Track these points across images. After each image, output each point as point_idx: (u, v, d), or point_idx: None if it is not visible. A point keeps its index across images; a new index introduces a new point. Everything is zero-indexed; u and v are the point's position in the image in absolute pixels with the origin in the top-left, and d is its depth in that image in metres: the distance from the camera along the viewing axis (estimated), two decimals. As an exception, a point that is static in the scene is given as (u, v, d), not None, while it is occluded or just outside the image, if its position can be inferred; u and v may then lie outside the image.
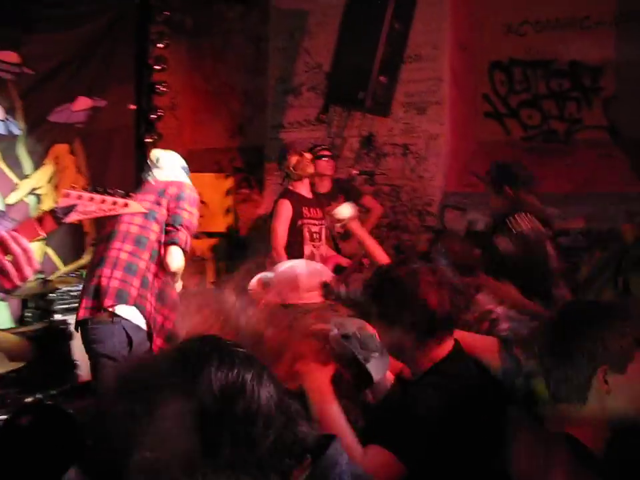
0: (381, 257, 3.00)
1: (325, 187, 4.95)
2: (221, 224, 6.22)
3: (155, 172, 3.54)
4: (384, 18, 4.84)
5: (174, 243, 3.25)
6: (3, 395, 3.31)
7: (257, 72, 6.34)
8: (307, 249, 4.46)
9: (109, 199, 1.93)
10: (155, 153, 3.70)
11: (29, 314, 4.71)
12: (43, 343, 3.79)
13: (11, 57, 5.01)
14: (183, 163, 3.69)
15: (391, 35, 4.91)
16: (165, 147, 6.25)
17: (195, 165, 3.74)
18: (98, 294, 3.13)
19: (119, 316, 3.10)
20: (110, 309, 3.10)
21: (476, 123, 5.79)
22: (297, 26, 6.04)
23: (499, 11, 5.60)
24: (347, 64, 5.05)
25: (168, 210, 3.33)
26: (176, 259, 3.25)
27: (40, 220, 1.81)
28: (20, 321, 4.82)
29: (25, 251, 1.67)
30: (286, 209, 4.38)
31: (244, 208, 6.39)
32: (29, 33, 5.10)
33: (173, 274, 3.29)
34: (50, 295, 4.55)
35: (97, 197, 1.93)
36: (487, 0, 5.71)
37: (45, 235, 1.82)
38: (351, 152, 5.76)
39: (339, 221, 3.18)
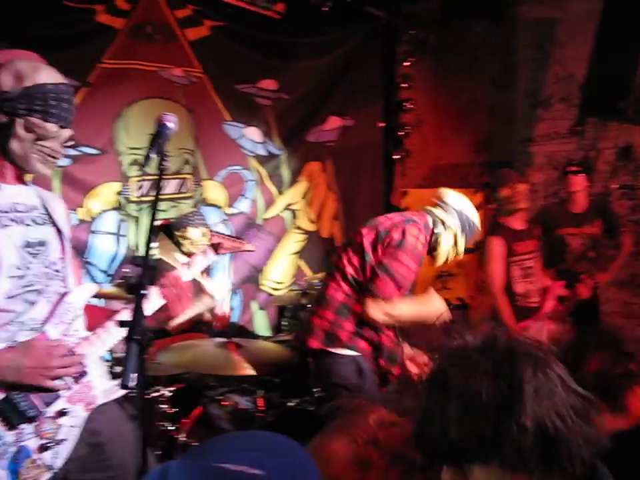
0: None
1: (580, 205, 4.67)
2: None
3: (436, 211, 3.23)
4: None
5: (372, 294, 2.98)
6: (269, 399, 3.51)
7: (504, 86, 6.21)
8: (520, 287, 4.23)
9: (237, 239, 2.43)
10: (445, 193, 3.30)
11: (286, 323, 4.99)
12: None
13: (270, 84, 5.39)
14: (471, 213, 3.27)
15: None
16: (412, 163, 6.40)
17: (441, 180, 3.72)
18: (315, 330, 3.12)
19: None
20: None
21: None
22: (546, 36, 5.83)
23: None
24: (603, 72, 4.78)
25: (383, 253, 3.06)
26: (370, 310, 2.98)
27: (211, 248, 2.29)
28: (277, 329, 5.13)
29: (182, 289, 2.14)
30: (499, 248, 4.16)
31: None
32: (286, 62, 5.47)
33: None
34: (306, 305, 4.78)
35: (233, 238, 2.42)
36: None
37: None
38: (606, 165, 5.42)
39: None
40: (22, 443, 1.91)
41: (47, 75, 1.99)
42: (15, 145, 1.95)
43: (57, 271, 2.11)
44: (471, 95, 6.40)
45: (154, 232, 1.78)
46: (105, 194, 4.53)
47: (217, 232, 2.46)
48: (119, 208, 4.58)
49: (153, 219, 1.82)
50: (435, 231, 3.20)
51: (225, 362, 3.25)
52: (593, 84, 4.88)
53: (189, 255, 4.34)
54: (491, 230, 4.30)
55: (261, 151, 5.39)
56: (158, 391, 3.46)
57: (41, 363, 1.91)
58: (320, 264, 5.55)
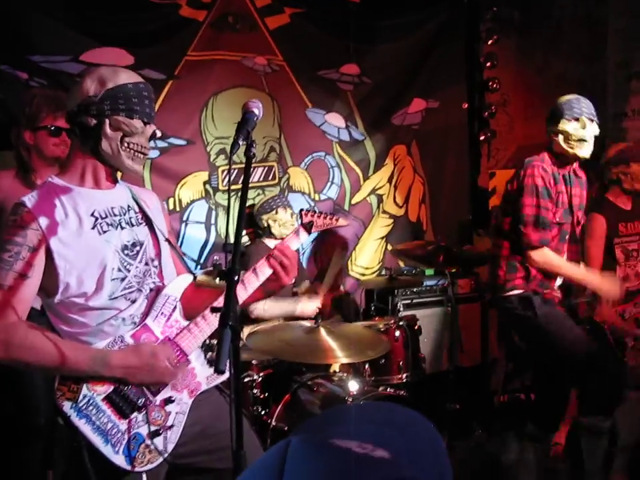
0: None
1: None
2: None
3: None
4: None
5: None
6: (362, 382, 3.52)
7: (593, 59, 5.97)
8: (621, 271, 4.03)
9: (329, 216, 2.50)
10: None
11: (373, 307, 4.99)
12: (394, 336, 3.96)
13: (352, 69, 5.35)
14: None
15: None
16: (498, 144, 6.26)
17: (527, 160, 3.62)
18: None
19: None
20: None
21: None
22: (637, 3, 5.57)
23: None
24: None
25: None
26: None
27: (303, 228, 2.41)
28: (365, 314, 5.14)
29: (289, 258, 2.25)
30: (600, 226, 3.95)
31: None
32: (367, 46, 5.41)
33: None
34: (394, 290, 4.77)
35: (324, 215, 2.49)
36: None
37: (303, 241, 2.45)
38: None
39: None
40: (135, 430, 2.04)
41: (127, 76, 2.11)
42: (105, 145, 2.07)
43: (155, 266, 2.23)
44: (557, 70, 6.20)
45: (243, 219, 1.80)
46: (193, 184, 4.63)
47: (308, 210, 2.47)
48: (207, 197, 4.68)
49: (243, 206, 1.85)
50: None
51: (316, 349, 3.28)
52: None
53: (281, 237, 4.40)
54: (595, 206, 4.05)
55: (345, 136, 5.37)
56: (249, 375, 3.52)
57: (147, 365, 2.04)
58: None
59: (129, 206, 2.21)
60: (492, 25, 6.05)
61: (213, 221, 4.71)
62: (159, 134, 2.21)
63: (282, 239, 4.38)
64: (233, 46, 4.77)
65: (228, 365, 1.58)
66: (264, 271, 2.27)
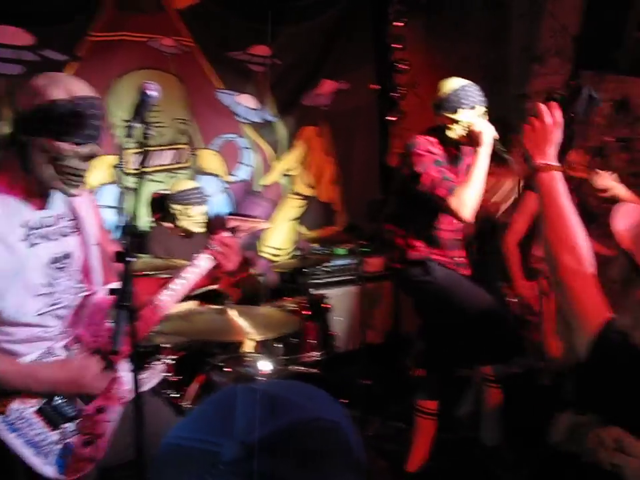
0: None
1: None
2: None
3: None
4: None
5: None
6: (274, 362, 3.55)
7: (498, 42, 6.14)
8: (539, 250, 4.21)
9: (253, 219, 2.49)
10: None
11: (286, 288, 5.03)
12: (304, 315, 4.02)
13: (262, 50, 5.34)
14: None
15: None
16: (407, 124, 6.37)
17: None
18: None
19: None
20: None
21: None
22: (538, -12, 5.76)
23: None
24: (597, 23, 4.72)
25: None
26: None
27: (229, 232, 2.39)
28: (278, 294, 5.17)
29: (229, 246, 2.31)
30: (532, 203, 4.02)
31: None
32: (278, 27, 5.40)
33: None
34: (305, 270, 4.82)
35: (247, 219, 2.48)
36: None
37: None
38: (602, 118, 5.38)
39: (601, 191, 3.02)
40: (66, 440, 2.02)
41: (64, 90, 1.88)
42: (33, 164, 1.90)
43: (84, 275, 2.18)
44: (464, 53, 6.35)
45: (139, 202, 1.80)
46: (102, 167, 4.54)
47: (233, 215, 2.52)
48: (116, 181, 4.60)
49: (139, 191, 1.85)
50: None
51: (227, 328, 3.29)
52: (587, 36, 4.83)
53: (185, 230, 4.37)
54: (529, 184, 4.17)
55: (256, 118, 5.37)
56: (160, 359, 3.50)
57: (76, 378, 2.02)
58: (319, 228, 5.57)
59: (61, 215, 2.10)
60: (400, 7, 6.12)
61: (122, 205, 4.62)
62: (101, 152, 2.07)
63: (184, 230, 4.37)
64: (139, 26, 4.69)
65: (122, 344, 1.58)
66: (203, 262, 2.31)
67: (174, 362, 3.54)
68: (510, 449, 3.82)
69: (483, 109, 3.42)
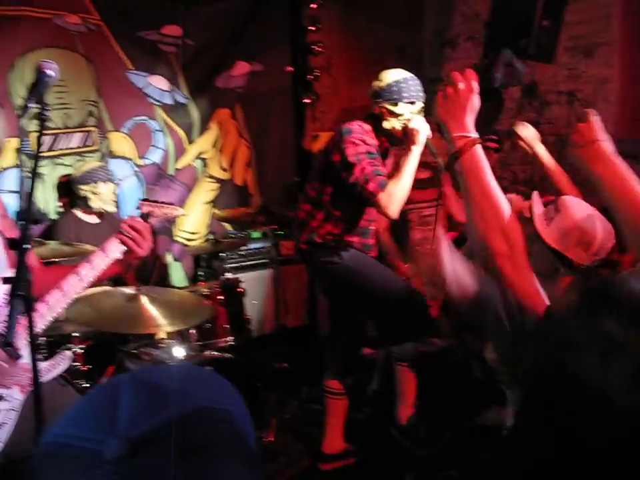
0: (571, 189, 2.84)
1: None
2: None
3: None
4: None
5: None
6: (188, 348, 3.52)
7: (412, 26, 6.21)
8: (416, 233, 4.31)
9: (168, 205, 2.51)
10: None
11: (202, 273, 4.98)
12: (217, 300, 3.98)
13: (174, 30, 5.22)
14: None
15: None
16: (323, 106, 6.36)
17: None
18: None
19: None
20: None
21: (649, 63, 5.35)
22: (453, -26, 5.84)
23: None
24: (506, 10, 4.84)
25: None
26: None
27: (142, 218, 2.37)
28: (193, 279, 5.11)
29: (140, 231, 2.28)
30: None
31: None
32: (190, 6, 5.28)
33: None
34: (220, 254, 4.77)
35: (163, 204, 2.49)
36: None
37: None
38: (512, 102, 5.53)
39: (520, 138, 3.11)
40: None
41: None
42: None
43: None
44: (379, 36, 6.38)
45: (35, 187, 1.72)
46: (5, 151, 4.35)
47: (146, 200, 2.45)
48: (19, 165, 4.42)
49: (34, 175, 1.77)
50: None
51: (138, 317, 3.21)
52: (497, 22, 4.94)
53: (98, 211, 4.28)
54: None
55: (168, 100, 5.25)
56: (69, 348, 3.40)
57: None
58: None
59: None
60: (316, -11, 6.09)
61: (27, 189, 4.45)
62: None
63: (99, 212, 4.28)
64: (43, 2, 4.48)
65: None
66: (113, 247, 2.26)
67: (83, 350, 3.44)
68: (423, 426, 3.90)
69: (422, 105, 3.39)
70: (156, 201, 2.48)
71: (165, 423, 0.74)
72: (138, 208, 2.43)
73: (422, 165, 4.18)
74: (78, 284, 2.20)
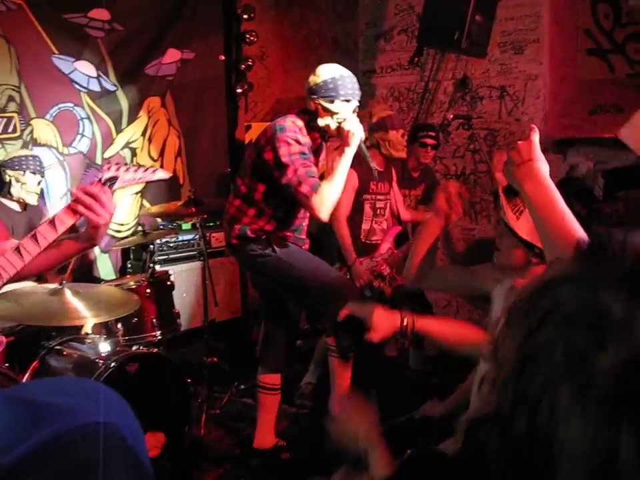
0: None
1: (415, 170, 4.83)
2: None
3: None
4: (479, -48, 4.59)
5: None
6: (114, 343, 3.41)
7: (346, 17, 6.18)
8: (367, 224, 4.33)
9: (141, 167, 2.18)
10: None
11: (130, 265, 4.84)
12: (145, 293, 3.87)
13: (102, 14, 5.04)
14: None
15: (486, -31, 4.67)
16: (256, 96, 6.28)
17: (285, 113, 3.62)
18: None
19: None
20: None
21: (577, 61, 5.47)
22: (386, -33, 5.82)
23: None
24: (440, 4, 4.84)
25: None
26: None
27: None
28: (122, 272, 4.97)
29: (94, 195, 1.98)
30: (352, 180, 4.05)
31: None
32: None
33: None
34: (149, 246, 4.65)
35: (132, 167, 2.16)
36: None
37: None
38: (445, 95, 5.56)
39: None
40: None
41: None
42: None
43: None
44: (314, 27, 6.34)
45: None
46: None
47: (111, 162, 2.24)
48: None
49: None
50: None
51: (61, 311, 3.10)
52: (431, 15, 4.93)
53: (17, 199, 4.11)
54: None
55: (95, 86, 5.07)
56: (-13, 345, 3.25)
57: None
58: (164, 202, 5.39)
59: None
60: (250, -22, 6.01)
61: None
62: None
63: (18, 201, 4.12)
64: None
65: None
66: (63, 218, 1.99)
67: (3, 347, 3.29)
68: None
69: (357, 103, 3.32)
70: (126, 164, 2.27)
71: (43, 443, 0.67)
72: (103, 171, 2.17)
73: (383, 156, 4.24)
74: (17, 261, 1.97)
